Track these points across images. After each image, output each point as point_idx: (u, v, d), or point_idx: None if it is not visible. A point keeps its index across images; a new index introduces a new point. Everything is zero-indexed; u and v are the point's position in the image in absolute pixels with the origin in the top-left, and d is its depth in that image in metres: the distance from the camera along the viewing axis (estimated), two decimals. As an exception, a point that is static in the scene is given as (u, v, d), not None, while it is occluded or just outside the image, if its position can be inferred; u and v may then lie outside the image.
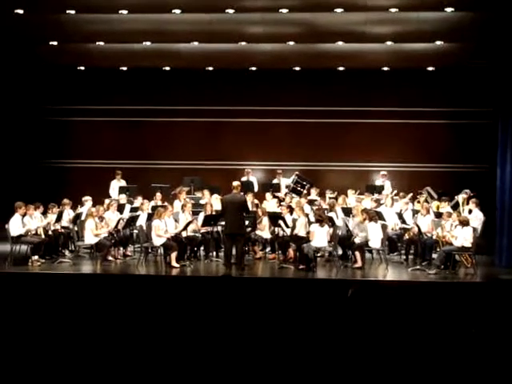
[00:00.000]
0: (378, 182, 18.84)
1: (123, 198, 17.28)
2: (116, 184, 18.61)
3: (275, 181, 18.86)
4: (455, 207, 15.91)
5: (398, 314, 6.46)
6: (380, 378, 5.11)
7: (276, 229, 15.46)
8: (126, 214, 16.37)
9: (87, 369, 5.52)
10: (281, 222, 14.87)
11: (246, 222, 14.83)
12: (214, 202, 16.18)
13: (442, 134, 19.98)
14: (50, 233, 15.02)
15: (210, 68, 20.06)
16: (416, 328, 6.40)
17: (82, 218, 15.44)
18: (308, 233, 14.29)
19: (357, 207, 15.43)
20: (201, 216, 15.52)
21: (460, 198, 16.01)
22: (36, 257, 14.34)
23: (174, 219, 15.24)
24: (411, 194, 17.16)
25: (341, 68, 19.67)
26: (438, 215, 15.31)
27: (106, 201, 16.51)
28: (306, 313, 7.12)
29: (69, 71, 20.53)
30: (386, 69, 19.55)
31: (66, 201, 15.97)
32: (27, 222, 14.44)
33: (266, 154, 20.43)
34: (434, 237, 14.58)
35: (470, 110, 19.59)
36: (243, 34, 16.99)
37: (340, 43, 17.36)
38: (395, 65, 19.13)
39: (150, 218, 15.12)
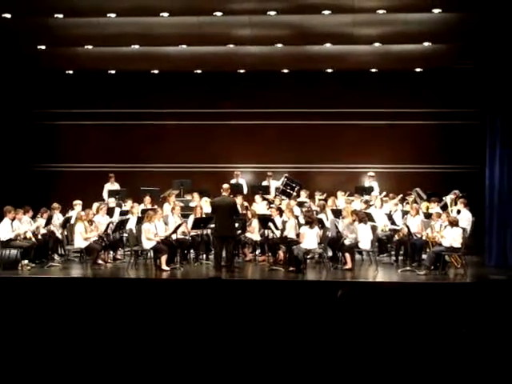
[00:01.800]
0: (367, 183, 18.88)
1: (112, 202, 17.28)
2: (109, 187, 18.65)
3: (265, 183, 18.87)
4: (444, 208, 15.97)
5: (389, 315, 6.47)
6: (370, 379, 5.12)
7: (266, 231, 15.47)
8: (116, 217, 16.36)
9: (78, 372, 5.52)
10: (270, 224, 14.88)
11: (236, 225, 14.85)
12: (204, 205, 16.18)
13: (430, 135, 20.01)
14: (39, 237, 15.00)
15: (199, 71, 20.04)
16: (406, 329, 6.42)
17: (72, 221, 15.43)
18: (298, 235, 14.31)
19: (346, 209, 15.45)
20: (190, 219, 15.51)
21: (448, 198, 16.08)
22: (26, 261, 14.32)
23: (163, 222, 15.24)
24: (400, 195, 17.19)
25: (329, 70, 19.68)
26: (428, 216, 15.36)
27: (95, 204, 16.47)
28: (296, 315, 7.13)
29: (57, 75, 20.46)
30: (374, 70, 19.57)
31: (55, 205, 15.97)
32: (16, 226, 14.42)
33: (256, 156, 20.41)
34: (424, 237, 14.62)
35: (458, 111, 19.64)
36: (231, 37, 16.99)
37: (328, 45, 17.37)
38: (383, 66, 19.14)
39: (139, 221, 15.12)
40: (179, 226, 15.03)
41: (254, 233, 15.55)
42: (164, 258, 14.30)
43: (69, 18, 15.74)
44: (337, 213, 15.83)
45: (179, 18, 15.82)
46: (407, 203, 16.80)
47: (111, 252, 15.72)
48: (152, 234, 14.42)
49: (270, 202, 17.15)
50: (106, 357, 5.79)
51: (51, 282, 13.16)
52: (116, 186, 18.74)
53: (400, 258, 15.49)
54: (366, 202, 16.80)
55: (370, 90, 19.96)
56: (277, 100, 20.27)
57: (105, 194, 18.58)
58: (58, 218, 15.84)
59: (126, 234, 15.63)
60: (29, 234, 14.56)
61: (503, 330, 6.60)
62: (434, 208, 15.93)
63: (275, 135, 20.42)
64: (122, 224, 15.46)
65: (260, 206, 16.84)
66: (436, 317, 7.27)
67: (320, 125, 20.36)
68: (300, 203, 16.98)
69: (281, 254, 14.98)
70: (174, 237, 14.96)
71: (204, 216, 15.45)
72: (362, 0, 14.71)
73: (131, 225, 15.32)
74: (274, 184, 18.64)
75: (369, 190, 18.11)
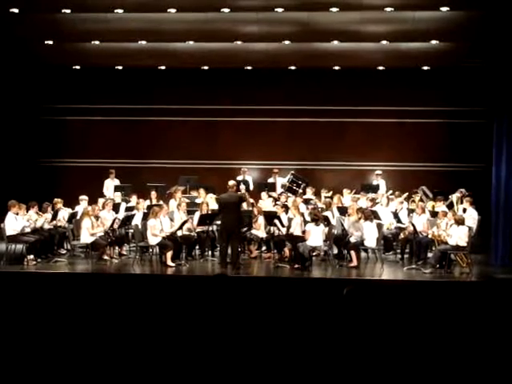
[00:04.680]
0: (375, 181, 18.84)
1: (118, 196, 17.29)
2: (110, 183, 18.64)
3: (271, 180, 18.86)
4: (450, 206, 15.94)
5: (394, 313, 6.47)
6: (375, 377, 5.12)
7: (271, 228, 15.45)
8: (122, 213, 16.36)
9: (83, 368, 5.52)
10: (276, 221, 14.86)
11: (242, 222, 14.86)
12: (210, 201, 16.19)
13: (437, 133, 19.99)
14: (45, 230, 15.02)
15: (206, 67, 20.04)
16: (411, 327, 6.41)
17: (78, 217, 15.44)
18: (303, 232, 14.30)
19: (352, 206, 15.44)
20: (196, 215, 15.52)
21: (454, 197, 16.06)
22: (31, 256, 14.31)
23: (169, 218, 15.24)
24: (406, 194, 17.17)
25: (336, 67, 19.66)
26: (434, 214, 15.33)
27: (101, 200, 16.48)
28: (301, 312, 7.12)
29: (64, 70, 20.49)
30: (381, 68, 19.54)
31: (57, 200, 15.92)
32: (21, 220, 14.41)
33: (262, 153, 20.40)
34: (430, 236, 14.60)
35: (465, 110, 19.61)
36: (238, 33, 16.98)
37: (335, 42, 17.35)
38: (390, 64, 19.12)
39: (145, 217, 15.12)
40: (185, 222, 15.04)
41: (259, 230, 15.54)
42: (169, 254, 14.31)
43: (76, 14, 15.76)
44: (343, 210, 15.82)
45: (186, 14, 15.83)
46: (413, 201, 16.77)
47: (117, 248, 15.71)
48: (157, 230, 14.42)
49: (275, 199, 17.13)
50: (111, 352, 5.79)
51: (57, 277, 13.18)
52: (116, 182, 18.71)
53: (405, 256, 15.47)
54: (372, 199, 16.79)
55: (377, 88, 19.95)
56: (283, 97, 20.28)
57: (105, 190, 18.56)
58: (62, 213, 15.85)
59: (131, 230, 15.65)
60: (38, 224, 14.64)
61: (508, 329, 6.59)
62: (440, 206, 15.91)
63: (282, 132, 20.42)
64: (127, 220, 15.48)
65: (266, 203, 16.82)
66: (441, 315, 7.26)
67: (327, 122, 20.36)
68: (306, 200, 16.97)
69: (286, 251, 14.96)
70: (179, 233, 14.98)
71: (210, 212, 15.45)
72: (369, -3, 14.74)
73: (137, 220, 15.32)
74: (280, 181, 18.64)
75: (375, 188, 18.09)
